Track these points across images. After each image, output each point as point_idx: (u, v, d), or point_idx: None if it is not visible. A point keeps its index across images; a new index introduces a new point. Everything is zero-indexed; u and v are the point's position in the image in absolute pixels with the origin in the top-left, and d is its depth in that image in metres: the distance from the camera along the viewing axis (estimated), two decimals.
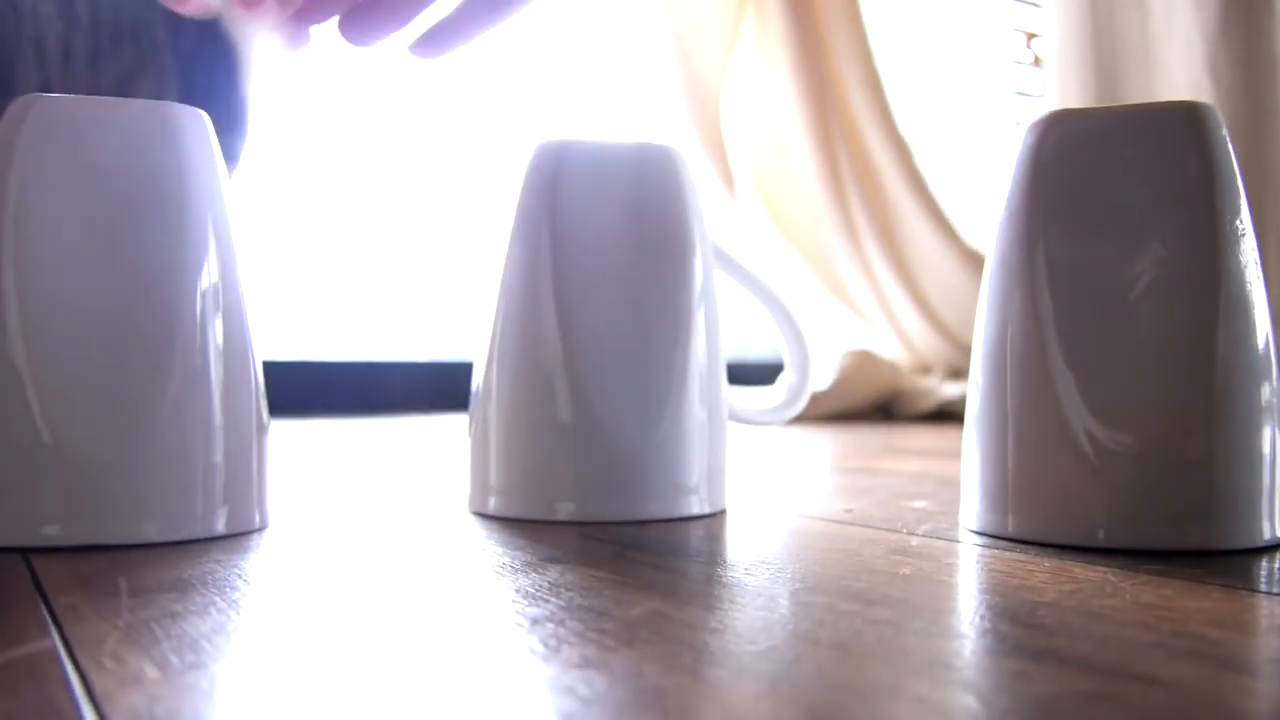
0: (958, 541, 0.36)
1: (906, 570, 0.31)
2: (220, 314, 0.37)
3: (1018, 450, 0.36)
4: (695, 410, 0.42)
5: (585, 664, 0.22)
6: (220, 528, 0.36)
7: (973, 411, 0.38)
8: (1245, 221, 0.35)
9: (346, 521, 0.41)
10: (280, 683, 0.21)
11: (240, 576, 0.30)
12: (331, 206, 1.30)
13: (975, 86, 1.61)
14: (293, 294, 1.28)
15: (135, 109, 0.36)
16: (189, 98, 0.38)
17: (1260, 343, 0.34)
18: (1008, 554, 0.34)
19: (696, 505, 0.42)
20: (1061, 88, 1.39)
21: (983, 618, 0.26)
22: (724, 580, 0.31)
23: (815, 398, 0.46)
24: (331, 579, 0.30)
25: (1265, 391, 0.34)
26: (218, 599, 0.28)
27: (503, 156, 0.43)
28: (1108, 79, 1.36)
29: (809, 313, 1.36)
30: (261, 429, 0.38)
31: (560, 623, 0.25)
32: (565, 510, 0.40)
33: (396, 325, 1.34)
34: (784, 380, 0.47)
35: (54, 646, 0.23)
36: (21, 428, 0.34)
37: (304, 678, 0.21)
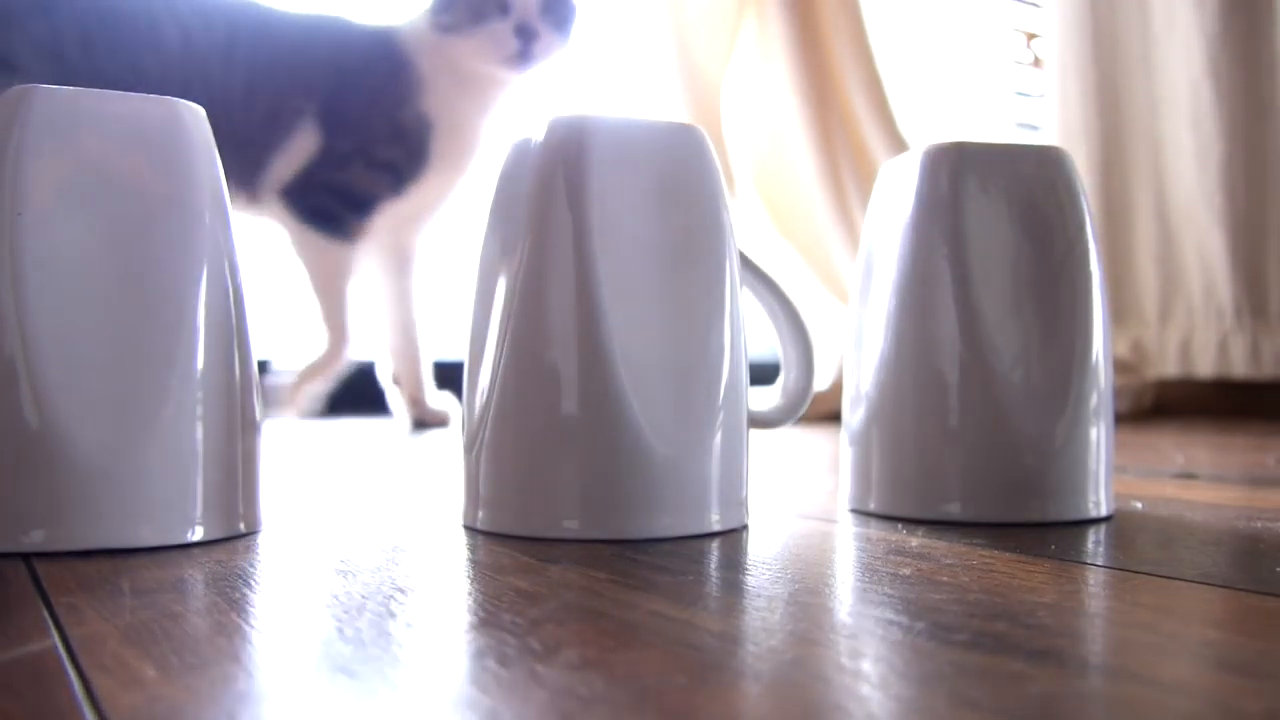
0: (959, 542, 0.36)
1: (906, 570, 0.31)
2: (220, 312, 0.36)
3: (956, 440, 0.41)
4: (732, 416, 0.39)
5: (585, 664, 0.22)
6: (215, 531, 0.36)
7: (861, 413, 0.44)
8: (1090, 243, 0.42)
9: (346, 521, 0.41)
10: (280, 683, 0.21)
11: (240, 577, 0.30)
12: None
13: (975, 86, 1.61)
14: (290, 292, 1.27)
15: (133, 102, 0.36)
16: None
17: (1098, 351, 0.42)
18: (1006, 554, 0.34)
19: (740, 517, 0.39)
20: (1061, 88, 1.39)
21: (982, 618, 0.26)
22: (724, 581, 0.31)
23: (815, 397, 0.45)
24: (331, 579, 0.30)
25: (1101, 389, 0.42)
26: (218, 599, 0.28)
27: (501, 156, 0.41)
28: (1108, 79, 1.36)
29: (809, 312, 1.36)
30: (255, 429, 0.38)
31: (560, 623, 0.25)
32: (586, 528, 0.36)
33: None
34: (787, 382, 0.45)
35: (55, 647, 0.23)
36: (16, 425, 0.33)
37: (304, 678, 0.21)
